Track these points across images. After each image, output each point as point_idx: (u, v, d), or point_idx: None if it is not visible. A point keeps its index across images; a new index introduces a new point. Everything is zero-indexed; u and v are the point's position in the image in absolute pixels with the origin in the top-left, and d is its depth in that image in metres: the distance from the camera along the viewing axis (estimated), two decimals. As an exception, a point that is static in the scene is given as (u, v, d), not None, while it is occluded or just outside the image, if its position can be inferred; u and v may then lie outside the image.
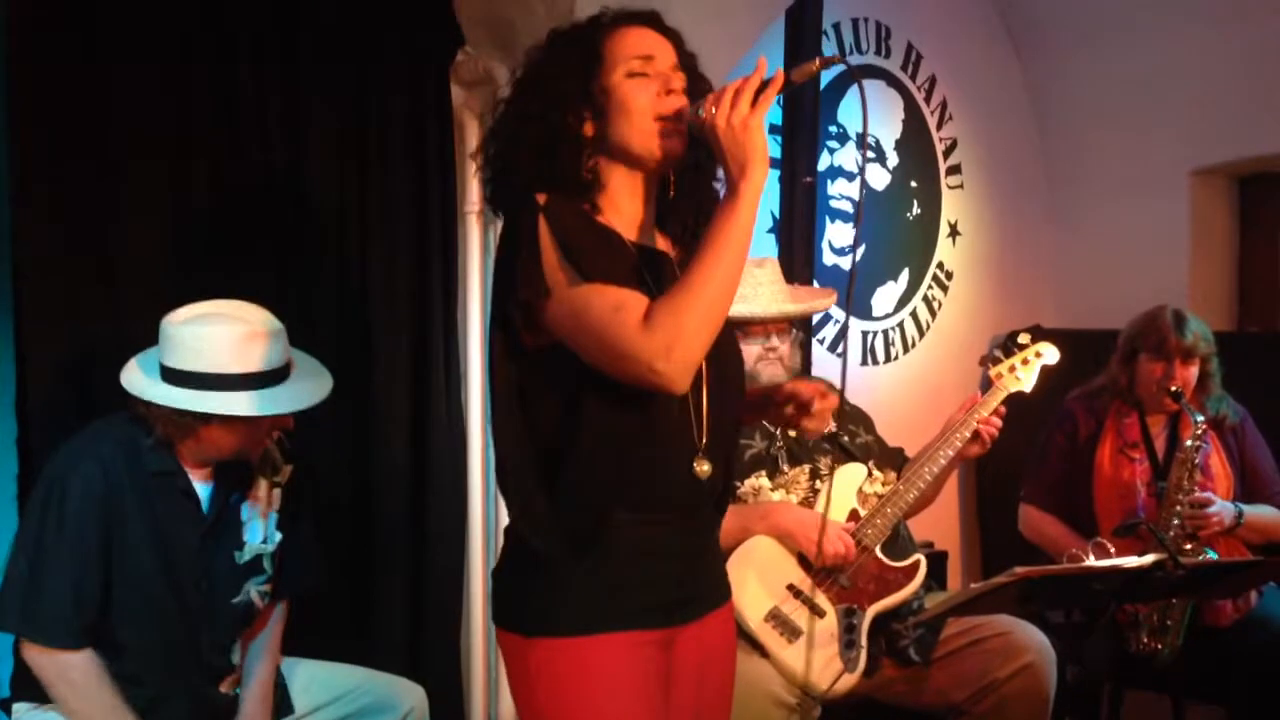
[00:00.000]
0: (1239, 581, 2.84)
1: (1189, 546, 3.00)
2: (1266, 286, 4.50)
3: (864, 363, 4.23)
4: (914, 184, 4.38)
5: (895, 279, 4.33)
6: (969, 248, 4.58)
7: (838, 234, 4.12)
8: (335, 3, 2.86)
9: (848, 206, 4.14)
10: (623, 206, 1.74)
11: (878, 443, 2.94)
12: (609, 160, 1.71)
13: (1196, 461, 3.07)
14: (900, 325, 4.35)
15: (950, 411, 2.81)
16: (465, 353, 3.15)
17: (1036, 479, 3.44)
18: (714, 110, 1.61)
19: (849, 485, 2.73)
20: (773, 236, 3.77)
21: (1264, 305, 4.50)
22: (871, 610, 2.60)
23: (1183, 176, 4.41)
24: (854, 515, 2.69)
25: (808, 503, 2.72)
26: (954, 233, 4.52)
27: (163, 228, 2.63)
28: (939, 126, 4.44)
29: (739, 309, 2.69)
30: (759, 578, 2.58)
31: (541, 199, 1.65)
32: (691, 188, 1.80)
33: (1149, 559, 2.31)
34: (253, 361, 2.18)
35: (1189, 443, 3.07)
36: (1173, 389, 3.09)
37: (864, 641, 2.56)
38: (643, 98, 1.68)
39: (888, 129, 4.28)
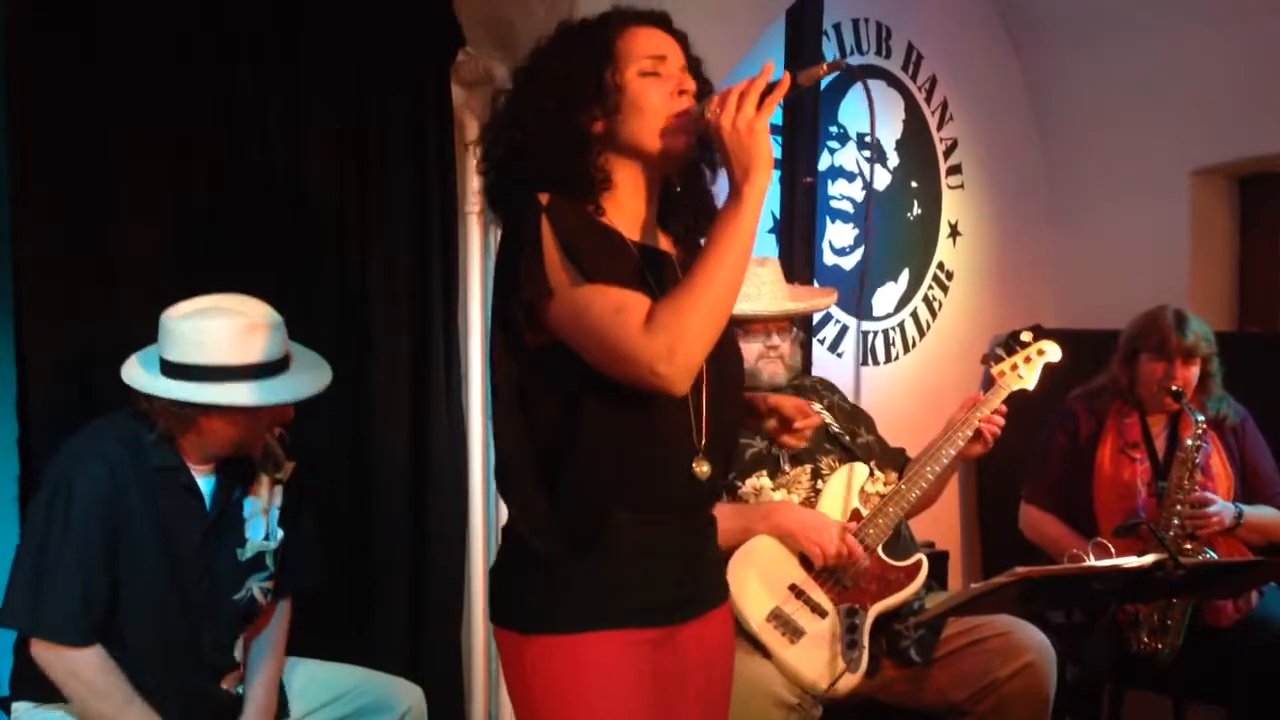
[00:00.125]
0: (1239, 581, 2.83)
1: (1189, 546, 3.00)
2: (1267, 286, 4.49)
3: (864, 363, 4.23)
4: (914, 184, 4.37)
5: (895, 279, 4.33)
6: (969, 248, 4.58)
7: (838, 234, 4.12)
8: (335, 3, 2.86)
9: (848, 207, 4.14)
10: (627, 205, 1.74)
11: (879, 443, 2.94)
12: (617, 157, 1.71)
13: (1197, 461, 3.07)
14: (900, 325, 4.35)
15: (951, 411, 2.81)
16: (465, 353, 3.15)
17: (1037, 479, 3.44)
18: (718, 112, 1.61)
19: (851, 485, 2.73)
20: (773, 236, 3.77)
21: (1264, 305, 4.50)
22: (873, 610, 2.60)
23: (1183, 176, 4.40)
24: (856, 515, 2.69)
25: (809, 502, 2.71)
26: (954, 233, 4.52)
27: (163, 228, 2.63)
28: (939, 127, 4.44)
29: (741, 307, 2.69)
30: (760, 577, 2.58)
31: (544, 199, 1.65)
32: (694, 186, 1.80)
33: (1149, 559, 2.31)
34: (252, 353, 2.19)
35: (1189, 442, 3.07)
36: (1174, 389, 3.09)
37: (866, 641, 2.55)
38: (655, 96, 1.69)
39: (888, 129, 4.28)
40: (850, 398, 3.07)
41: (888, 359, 4.31)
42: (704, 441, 1.72)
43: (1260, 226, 4.51)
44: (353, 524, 2.93)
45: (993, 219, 4.65)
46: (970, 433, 2.72)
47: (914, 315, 4.40)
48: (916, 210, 4.39)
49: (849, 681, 2.50)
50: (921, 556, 2.69)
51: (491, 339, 1.74)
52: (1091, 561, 2.44)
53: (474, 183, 3.05)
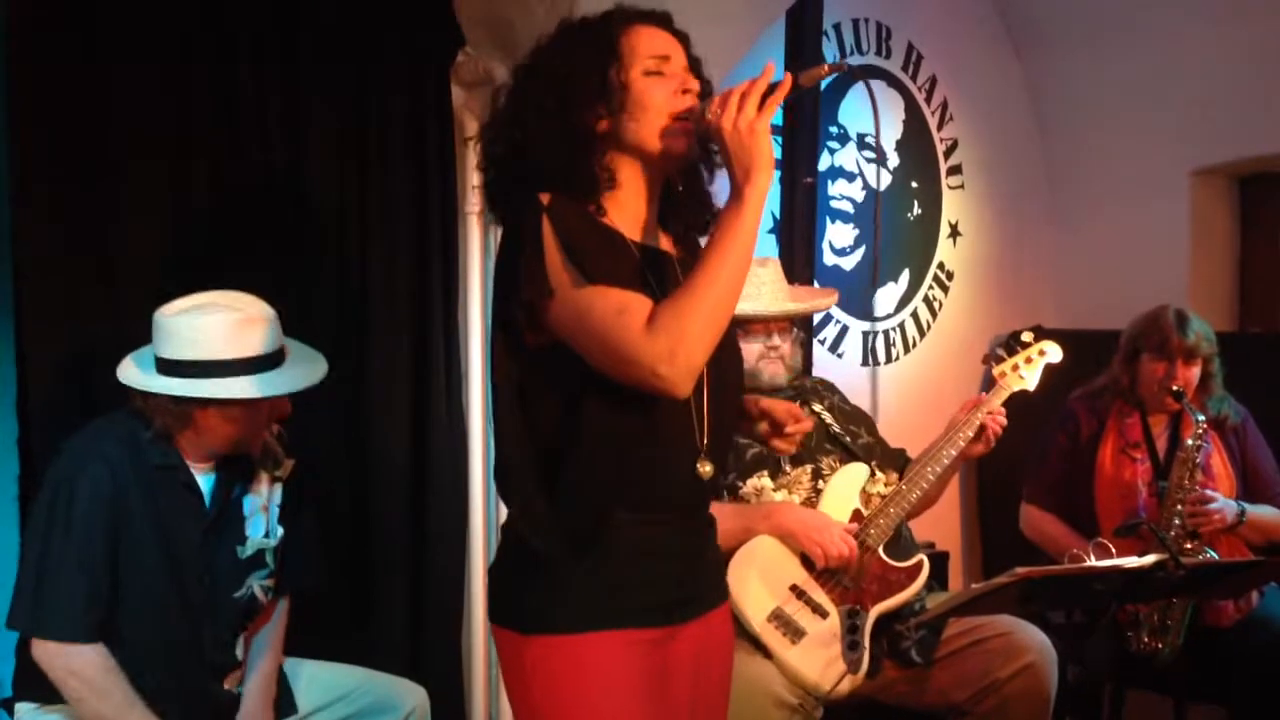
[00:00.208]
0: (1240, 581, 2.83)
1: (1190, 546, 3.00)
2: (1267, 287, 4.49)
3: (864, 363, 4.23)
4: (915, 184, 4.37)
5: (896, 279, 4.33)
6: (970, 248, 4.57)
7: (838, 234, 4.12)
8: (335, 3, 2.86)
9: (848, 207, 4.14)
10: (628, 205, 1.73)
11: (879, 443, 2.94)
12: (620, 156, 1.71)
13: (1198, 461, 3.07)
14: (901, 326, 4.35)
15: (952, 411, 2.81)
16: (465, 353, 3.15)
17: (1038, 478, 3.43)
18: (719, 112, 1.60)
19: (852, 485, 2.73)
20: (773, 237, 3.77)
21: (1265, 305, 4.50)
22: (875, 611, 2.59)
23: (1183, 177, 4.40)
24: (857, 515, 2.69)
25: (810, 503, 2.71)
26: (955, 233, 4.52)
27: (163, 228, 2.63)
28: (940, 127, 4.44)
29: (741, 307, 2.69)
30: (761, 578, 2.58)
31: (545, 199, 1.65)
32: (694, 186, 1.80)
33: (1150, 559, 2.31)
34: (247, 347, 2.19)
35: (1190, 442, 3.07)
36: (1175, 389, 3.09)
37: (867, 642, 2.55)
38: (659, 96, 1.68)
39: (889, 129, 4.28)
40: (850, 398, 3.07)
41: (888, 359, 4.31)
42: (706, 441, 1.72)
43: (1260, 226, 4.51)
44: (353, 524, 2.93)
45: (993, 219, 4.65)
46: (971, 433, 2.72)
47: (914, 315, 4.40)
48: (917, 210, 4.39)
49: (850, 682, 2.50)
50: (923, 557, 2.69)
51: (492, 339, 1.73)
52: (1092, 562, 2.44)
53: (474, 182, 3.05)
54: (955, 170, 4.51)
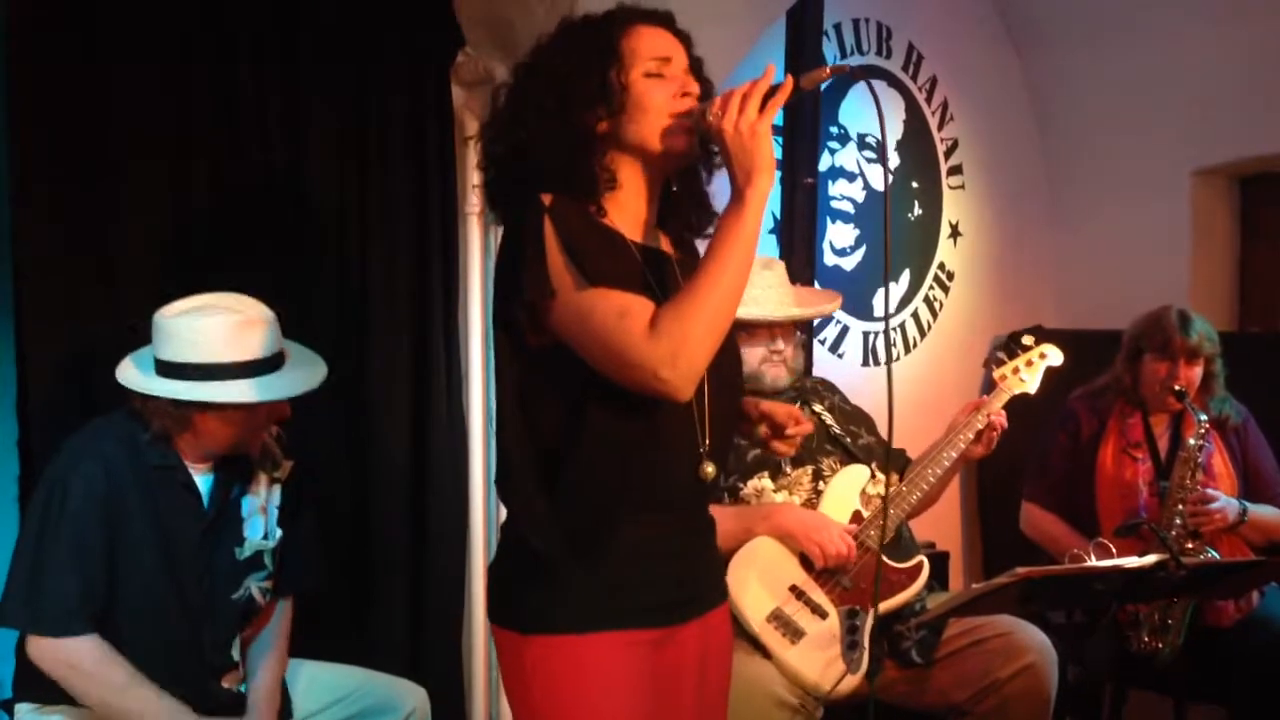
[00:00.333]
0: (1241, 581, 2.83)
1: (1191, 546, 2.99)
2: (1267, 287, 4.49)
3: (865, 363, 4.23)
4: (915, 185, 4.37)
5: (896, 280, 4.32)
6: (970, 248, 4.57)
7: (838, 235, 4.12)
8: (335, 3, 2.86)
9: (849, 207, 4.14)
10: (629, 205, 1.73)
11: (880, 444, 2.93)
12: (621, 157, 1.71)
13: (1199, 461, 3.07)
14: (901, 326, 4.35)
15: (952, 411, 2.81)
16: (466, 353, 3.15)
17: (1038, 478, 3.43)
18: (720, 114, 1.60)
19: (852, 487, 2.73)
20: (774, 237, 3.77)
21: (1265, 306, 4.50)
22: (874, 611, 2.59)
23: (1184, 177, 4.40)
24: (857, 517, 2.69)
25: (810, 504, 2.71)
26: (955, 233, 4.52)
27: (163, 228, 2.63)
28: (940, 127, 4.44)
29: (748, 311, 2.69)
30: (761, 578, 2.58)
31: (547, 199, 1.65)
32: (692, 187, 1.80)
33: (1151, 559, 2.32)
34: (246, 350, 2.19)
35: (1192, 442, 3.07)
36: (1177, 389, 3.09)
37: (866, 643, 2.55)
38: (660, 98, 1.68)
39: (889, 130, 4.28)
40: (851, 398, 3.06)
41: (888, 359, 4.30)
42: (708, 443, 1.72)
43: (1260, 226, 4.51)
44: (353, 524, 2.92)
45: (993, 219, 4.65)
46: (972, 435, 2.72)
47: (915, 316, 4.40)
48: (917, 211, 4.39)
49: (850, 682, 2.50)
50: (923, 558, 2.69)
51: (495, 339, 1.73)
52: (1093, 561, 2.44)
53: (474, 182, 3.05)
54: (956, 170, 4.51)
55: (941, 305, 4.49)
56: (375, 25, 2.91)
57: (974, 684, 2.63)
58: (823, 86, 3.98)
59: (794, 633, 2.54)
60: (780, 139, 3.69)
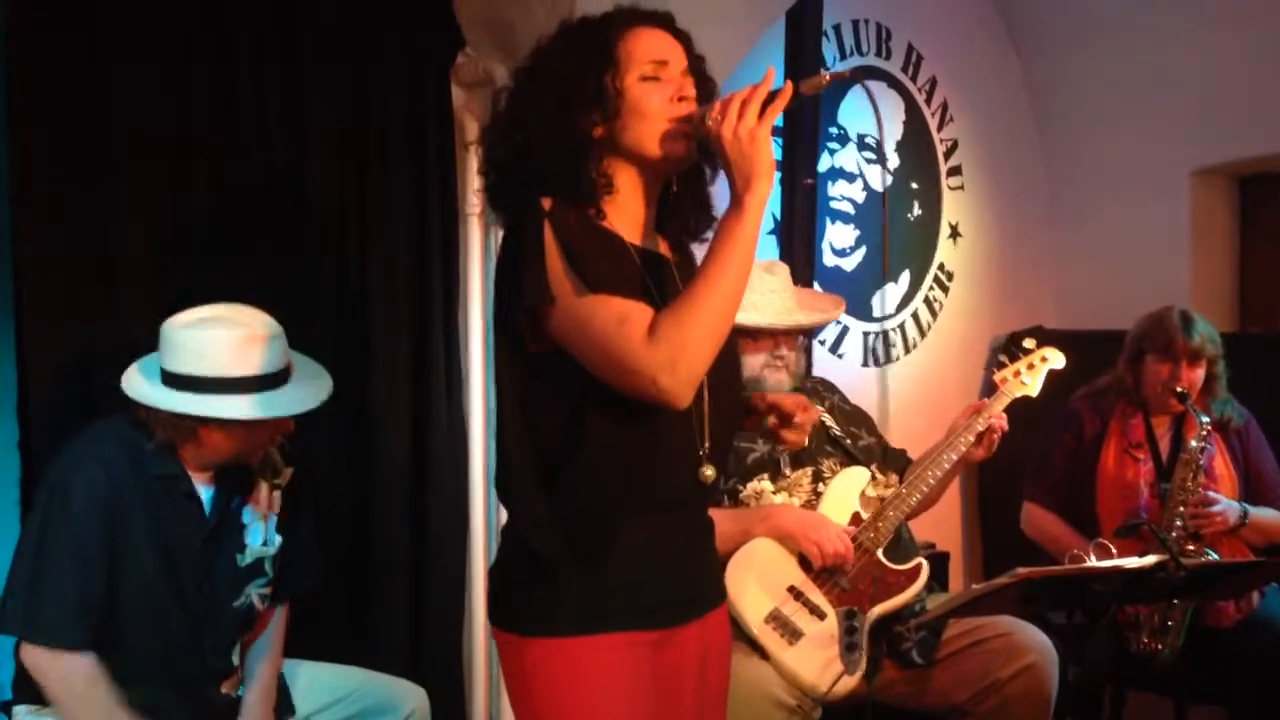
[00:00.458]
0: (1241, 582, 2.83)
1: (1191, 547, 2.99)
2: (1267, 287, 4.49)
3: (865, 364, 4.23)
4: (915, 185, 4.37)
5: (896, 280, 4.33)
6: (970, 249, 4.57)
7: (838, 235, 4.12)
8: (335, 3, 2.86)
9: (848, 208, 4.14)
10: (627, 209, 1.73)
11: (880, 445, 2.93)
12: (618, 161, 1.70)
13: (1201, 463, 3.07)
14: (901, 326, 4.35)
15: (952, 412, 2.81)
16: (466, 353, 3.15)
17: (1039, 478, 3.43)
18: (719, 120, 1.59)
19: (852, 489, 2.72)
20: (774, 238, 3.77)
21: (1265, 306, 4.50)
22: (873, 613, 2.59)
23: (1183, 177, 4.40)
24: (856, 519, 2.69)
25: (810, 505, 2.71)
26: (955, 234, 4.52)
27: (163, 228, 2.63)
28: (940, 128, 4.44)
29: (752, 319, 2.69)
30: (760, 579, 2.58)
31: (547, 204, 1.64)
32: (692, 189, 1.80)
33: (1151, 560, 2.31)
34: (252, 364, 2.18)
35: (1194, 444, 3.07)
36: (1179, 390, 3.09)
37: (865, 644, 2.55)
38: (655, 102, 1.67)
39: (889, 130, 4.28)
40: (851, 398, 3.06)
41: (888, 360, 4.31)
42: (708, 445, 1.72)
43: (1260, 226, 4.51)
44: (352, 525, 2.92)
45: (993, 220, 4.65)
46: (973, 438, 2.72)
47: (914, 316, 4.40)
48: (917, 211, 4.39)
49: (847, 684, 2.50)
50: (922, 560, 2.68)
51: (495, 343, 1.73)
52: (1093, 562, 2.44)
53: (474, 183, 3.05)
54: (955, 171, 4.51)
55: (941, 306, 4.49)
56: (375, 25, 2.91)
57: (974, 684, 2.63)
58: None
59: (792, 634, 2.54)
60: (780, 140, 3.69)
